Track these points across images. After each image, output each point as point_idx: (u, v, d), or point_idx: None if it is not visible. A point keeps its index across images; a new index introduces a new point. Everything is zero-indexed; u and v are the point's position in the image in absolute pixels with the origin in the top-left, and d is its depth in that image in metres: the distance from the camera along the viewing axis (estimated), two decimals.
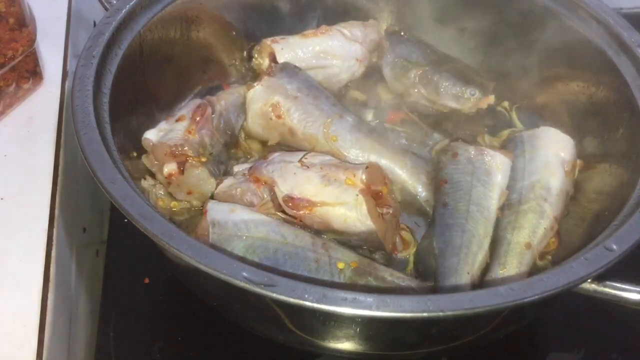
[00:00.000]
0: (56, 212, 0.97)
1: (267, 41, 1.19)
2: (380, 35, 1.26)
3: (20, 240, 0.93)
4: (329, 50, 1.20)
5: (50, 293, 0.89)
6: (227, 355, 0.97)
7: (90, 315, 1.07)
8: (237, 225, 0.90)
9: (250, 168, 0.99)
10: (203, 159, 0.99)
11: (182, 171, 0.98)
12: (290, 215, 0.94)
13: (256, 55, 1.21)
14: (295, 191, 0.93)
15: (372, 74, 1.27)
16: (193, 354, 0.96)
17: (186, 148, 0.97)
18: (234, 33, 1.22)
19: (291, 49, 1.18)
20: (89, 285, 1.08)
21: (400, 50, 1.23)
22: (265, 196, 0.96)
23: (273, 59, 1.18)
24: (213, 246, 0.87)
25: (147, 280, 1.03)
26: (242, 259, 0.86)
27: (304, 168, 0.95)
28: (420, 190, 1.05)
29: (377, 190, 0.94)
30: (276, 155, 1.00)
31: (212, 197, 0.99)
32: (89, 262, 1.11)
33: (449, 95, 1.17)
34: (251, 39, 1.24)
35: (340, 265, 0.87)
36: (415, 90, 1.19)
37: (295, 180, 0.94)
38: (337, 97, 1.15)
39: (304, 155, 0.98)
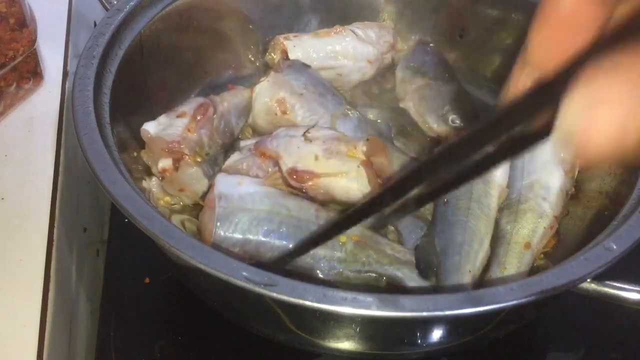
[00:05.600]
0: (56, 212, 0.97)
1: (280, 38, 1.20)
2: (394, 37, 1.25)
3: (20, 240, 0.92)
4: (341, 51, 1.19)
5: (51, 293, 0.89)
6: (227, 355, 0.97)
7: (90, 315, 1.07)
8: (243, 198, 0.90)
9: (256, 143, 1.01)
10: (198, 159, 0.98)
11: (176, 168, 0.98)
12: (295, 188, 0.95)
13: (269, 50, 1.22)
14: (299, 164, 0.94)
15: (383, 75, 1.26)
16: (193, 354, 0.96)
17: (183, 146, 0.97)
18: (235, 33, 1.22)
19: (303, 47, 1.18)
20: (89, 285, 1.08)
21: (417, 56, 1.22)
22: (271, 169, 0.97)
23: (285, 55, 1.18)
24: (214, 245, 0.87)
25: (147, 280, 1.03)
26: (242, 259, 0.86)
27: (307, 142, 0.96)
28: None
29: (378, 162, 0.95)
30: (281, 130, 1.01)
31: (203, 198, 0.99)
32: (89, 262, 1.11)
33: (434, 115, 1.14)
34: (252, 39, 1.23)
35: (343, 238, 0.88)
36: (410, 99, 1.18)
37: (298, 153, 0.95)
38: (345, 97, 1.15)
39: (307, 130, 0.99)
